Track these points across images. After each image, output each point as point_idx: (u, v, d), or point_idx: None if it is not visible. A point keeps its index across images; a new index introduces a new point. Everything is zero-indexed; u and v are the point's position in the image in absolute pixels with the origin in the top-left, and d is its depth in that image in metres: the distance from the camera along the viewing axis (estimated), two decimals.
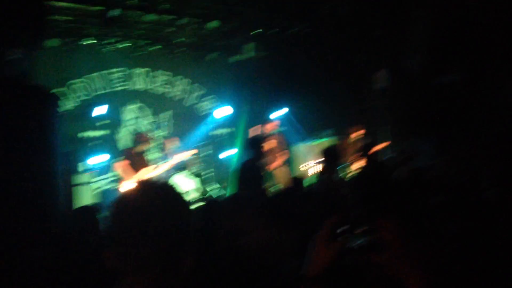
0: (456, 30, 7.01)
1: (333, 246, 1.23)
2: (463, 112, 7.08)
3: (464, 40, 6.94)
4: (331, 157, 5.75)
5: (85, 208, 4.08)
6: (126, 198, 1.21)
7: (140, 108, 11.02)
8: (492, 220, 2.20)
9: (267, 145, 8.09)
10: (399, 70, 8.40)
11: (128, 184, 7.69)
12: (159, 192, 1.20)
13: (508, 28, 6.34)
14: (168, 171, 8.80)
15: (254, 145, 5.87)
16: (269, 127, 8.25)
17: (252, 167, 5.76)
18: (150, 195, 1.18)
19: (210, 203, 3.88)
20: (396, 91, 8.59)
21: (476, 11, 6.67)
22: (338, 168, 5.91)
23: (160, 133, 11.04)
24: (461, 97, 7.09)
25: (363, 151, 7.23)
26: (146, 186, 1.23)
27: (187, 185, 8.57)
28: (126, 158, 7.76)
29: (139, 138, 7.84)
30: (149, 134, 8.35)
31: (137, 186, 1.25)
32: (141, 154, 7.89)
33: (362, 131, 8.85)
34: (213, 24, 8.90)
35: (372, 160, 7.11)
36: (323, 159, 5.85)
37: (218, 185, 10.86)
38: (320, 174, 5.74)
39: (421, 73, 7.77)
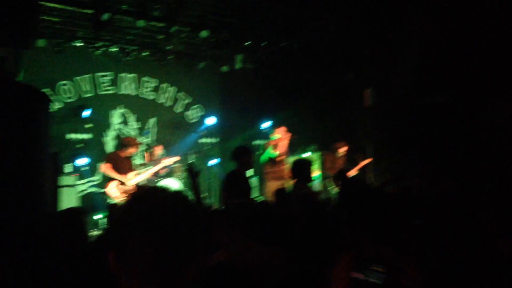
0: (444, 52, 7.15)
1: (351, 279, 1.24)
2: (448, 134, 7.19)
3: (451, 61, 7.08)
4: (300, 171, 5.71)
5: (71, 210, 4.03)
6: (138, 199, 1.21)
7: (126, 113, 10.95)
8: (480, 245, 2.22)
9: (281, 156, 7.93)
10: (386, 89, 8.50)
11: (114, 187, 7.62)
12: (173, 197, 1.22)
13: (496, 51, 6.48)
14: (155, 175, 8.74)
15: (240, 155, 5.84)
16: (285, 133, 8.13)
17: (238, 177, 5.74)
18: (164, 198, 1.20)
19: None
20: (382, 109, 8.68)
21: (465, 33, 6.81)
22: (310, 182, 5.87)
23: (144, 139, 10.97)
24: (447, 118, 7.21)
25: (341, 174, 7.18)
26: (159, 190, 1.24)
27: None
28: (113, 161, 7.70)
29: (127, 142, 7.78)
30: (136, 139, 8.30)
31: (149, 190, 1.26)
32: (128, 158, 7.84)
33: (346, 147, 8.92)
34: (203, 33, 8.91)
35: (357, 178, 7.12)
36: (293, 173, 5.79)
37: (205, 194, 10.79)
38: (295, 188, 5.64)
39: (408, 93, 7.87)
